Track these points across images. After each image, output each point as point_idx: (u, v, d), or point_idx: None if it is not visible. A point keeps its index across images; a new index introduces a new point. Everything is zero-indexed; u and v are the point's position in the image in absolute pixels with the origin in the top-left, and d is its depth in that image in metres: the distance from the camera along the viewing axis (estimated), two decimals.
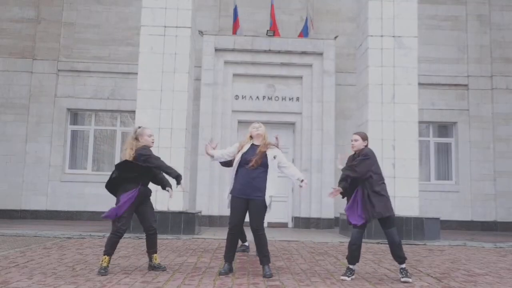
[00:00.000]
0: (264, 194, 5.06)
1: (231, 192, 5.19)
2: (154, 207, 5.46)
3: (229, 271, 5.08)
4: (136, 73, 10.10)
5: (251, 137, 5.31)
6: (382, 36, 9.93)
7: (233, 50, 12.70)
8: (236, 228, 5.14)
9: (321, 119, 12.55)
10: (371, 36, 9.94)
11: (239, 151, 5.26)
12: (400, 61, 9.86)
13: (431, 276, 5.33)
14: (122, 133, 13.85)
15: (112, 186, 5.18)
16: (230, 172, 5.31)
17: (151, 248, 5.27)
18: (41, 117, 13.44)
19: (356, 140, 5.14)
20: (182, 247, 7.49)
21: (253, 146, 5.22)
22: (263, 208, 5.11)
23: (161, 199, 9.15)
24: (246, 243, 7.02)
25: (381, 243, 8.41)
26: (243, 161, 5.13)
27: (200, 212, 10.85)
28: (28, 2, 13.86)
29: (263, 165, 5.10)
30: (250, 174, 5.07)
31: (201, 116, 12.37)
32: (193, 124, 11.66)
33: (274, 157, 5.14)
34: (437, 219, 9.72)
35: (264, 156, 5.10)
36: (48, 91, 13.53)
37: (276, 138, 5.51)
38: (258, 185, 5.06)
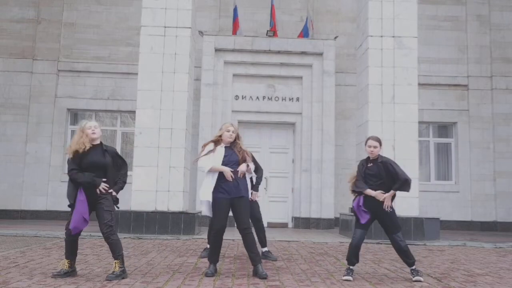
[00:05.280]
0: (248, 193, 5.22)
1: (214, 193, 5.12)
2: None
3: (215, 271, 5.06)
4: (136, 73, 10.11)
5: (220, 136, 5.30)
6: (382, 36, 9.93)
7: (233, 50, 12.70)
8: (223, 230, 5.13)
9: (321, 119, 12.55)
10: (371, 36, 9.94)
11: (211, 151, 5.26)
12: (400, 61, 9.85)
13: (431, 276, 5.33)
14: (122, 134, 13.86)
15: None
16: (207, 175, 5.21)
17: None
18: (41, 117, 13.45)
19: (375, 147, 5.25)
20: (182, 247, 7.50)
21: (228, 149, 5.25)
22: (248, 206, 5.23)
23: (162, 199, 9.15)
24: (266, 249, 6.51)
25: (381, 243, 8.41)
26: (227, 163, 5.15)
27: (200, 212, 10.83)
28: (28, 2, 13.86)
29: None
30: (233, 175, 5.13)
31: (201, 116, 12.37)
32: (193, 124, 11.67)
33: (248, 166, 5.25)
34: (437, 219, 9.72)
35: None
36: (48, 91, 13.54)
37: (248, 165, 5.29)
38: (241, 185, 5.16)
